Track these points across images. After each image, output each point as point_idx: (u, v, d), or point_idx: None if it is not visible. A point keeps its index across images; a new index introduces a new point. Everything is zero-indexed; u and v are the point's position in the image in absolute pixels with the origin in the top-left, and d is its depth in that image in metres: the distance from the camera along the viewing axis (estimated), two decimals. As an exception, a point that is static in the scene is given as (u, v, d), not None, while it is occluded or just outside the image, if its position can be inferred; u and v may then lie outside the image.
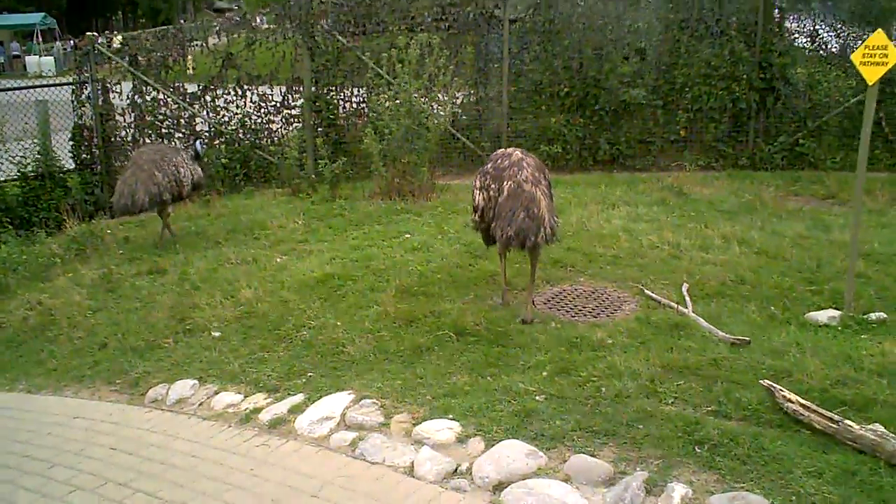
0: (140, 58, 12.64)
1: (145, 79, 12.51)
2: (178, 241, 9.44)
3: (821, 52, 12.17)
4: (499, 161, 6.45)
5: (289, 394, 5.66)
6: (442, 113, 10.61)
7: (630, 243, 8.20)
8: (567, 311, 6.66)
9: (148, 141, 12.69)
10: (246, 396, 5.74)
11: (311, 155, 12.30)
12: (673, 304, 6.60)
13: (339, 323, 6.57)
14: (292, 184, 11.59)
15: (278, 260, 8.28)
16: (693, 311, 6.36)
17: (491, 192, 6.33)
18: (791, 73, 12.10)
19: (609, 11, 12.24)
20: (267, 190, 12.35)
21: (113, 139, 12.61)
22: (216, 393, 5.87)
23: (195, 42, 12.85)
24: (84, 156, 12.51)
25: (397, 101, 10.35)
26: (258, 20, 12.70)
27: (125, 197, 8.64)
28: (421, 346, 6.04)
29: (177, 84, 12.72)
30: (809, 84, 12.15)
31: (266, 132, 12.93)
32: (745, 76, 12.03)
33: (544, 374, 5.45)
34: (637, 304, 6.73)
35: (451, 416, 4.93)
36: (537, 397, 5.14)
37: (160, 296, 7.66)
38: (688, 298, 6.65)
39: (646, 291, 6.94)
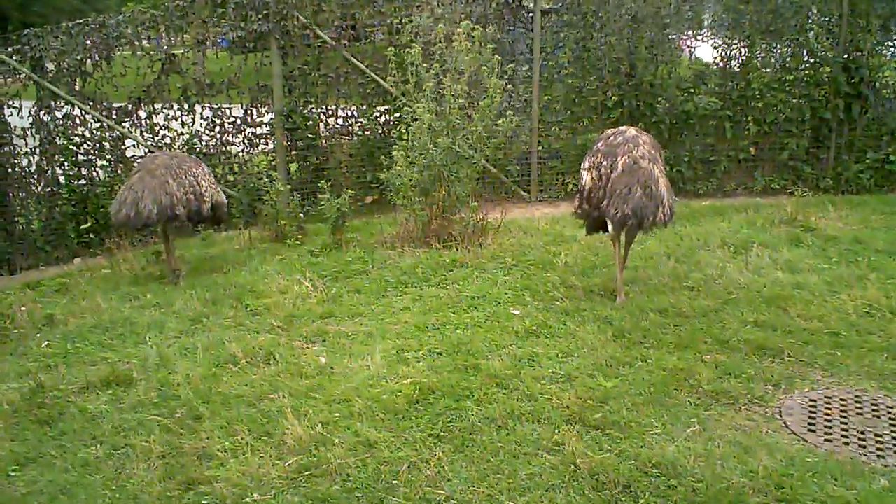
0: (47, 62, 9.29)
1: (55, 90, 9.19)
2: (139, 322, 6.29)
3: (912, 49, 10.03)
4: (611, 138, 5.92)
5: None
6: (495, 128, 7.78)
7: (827, 309, 5.68)
8: (861, 447, 4.01)
9: (59, 171, 9.38)
10: None
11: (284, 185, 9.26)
12: None
13: (494, 491, 3.68)
14: (275, 226, 8.52)
15: (322, 360, 5.25)
16: None
17: (602, 170, 5.76)
18: (879, 77, 9.93)
19: (666, 1, 9.76)
20: (231, 233, 9.22)
21: (10, 170, 9.22)
22: None
23: (123, 40, 9.56)
24: (-31, 193, 9.11)
25: (433, 115, 7.49)
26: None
27: (127, 206, 6.88)
28: (683, 547, 3.26)
29: (98, 96, 9.42)
30: (897, 89, 10.00)
31: (223, 157, 9.79)
32: (827, 80, 9.78)
33: None
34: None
35: None
36: None
37: (135, 433, 4.55)
38: None
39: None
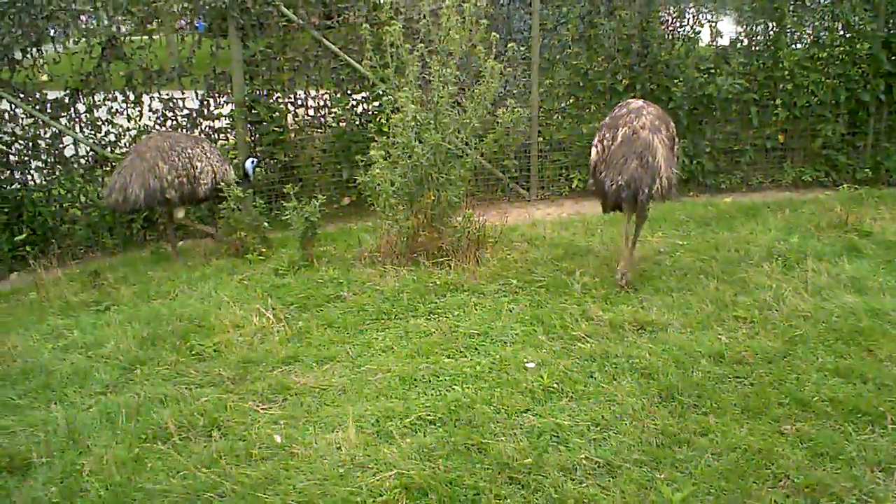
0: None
1: (-20, 81, 7.88)
2: (58, 371, 5.03)
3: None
4: (617, 111, 5.80)
5: None
6: (491, 118, 6.55)
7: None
8: None
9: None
10: None
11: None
12: None
13: None
14: (233, 238, 7.26)
15: (277, 438, 4.00)
16: None
17: (605, 143, 5.63)
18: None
19: (682, -31, 8.53)
20: (188, 242, 7.97)
21: (-71, 173, 7.94)
22: None
23: (58, 23, 8.22)
24: None
25: (418, 105, 6.23)
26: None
27: (116, 191, 6.88)
28: None
29: (30, 87, 8.11)
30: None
31: (176, 155, 8.48)
32: (866, 57, 8.58)
33: None
34: None
35: None
36: None
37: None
38: None
39: None
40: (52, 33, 8.17)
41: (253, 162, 7.88)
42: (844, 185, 7.95)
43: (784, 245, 6.31)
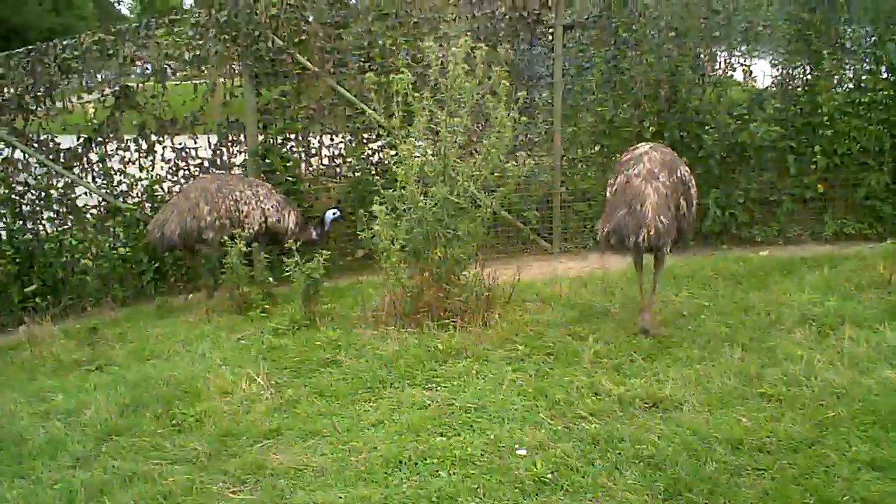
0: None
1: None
2: (34, 441, 4.74)
3: None
4: (624, 156, 5.81)
5: None
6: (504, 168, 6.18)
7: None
8: None
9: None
10: None
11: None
12: None
13: None
14: (236, 294, 6.97)
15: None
16: None
17: (609, 189, 5.70)
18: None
19: (713, 9, 8.11)
20: (196, 297, 7.73)
21: (-62, 223, 7.89)
22: None
23: (72, 73, 8.12)
24: None
25: (425, 157, 5.92)
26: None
27: (158, 226, 7.02)
28: None
29: (44, 137, 8.05)
30: None
31: (188, 205, 8.29)
32: (911, 101, 8.08)
33: None
34: None
35: None
36: None
37: None
38: None
39: None
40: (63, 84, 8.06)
41: (334, 213, 7.67)
42: (889, 240, 7.38)
43: (820, 308, 5.79)
